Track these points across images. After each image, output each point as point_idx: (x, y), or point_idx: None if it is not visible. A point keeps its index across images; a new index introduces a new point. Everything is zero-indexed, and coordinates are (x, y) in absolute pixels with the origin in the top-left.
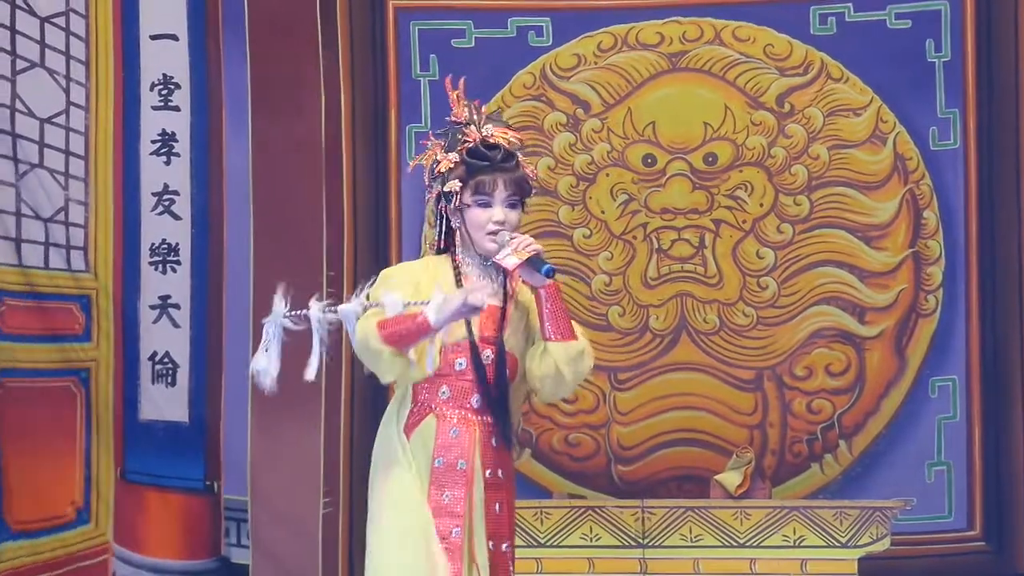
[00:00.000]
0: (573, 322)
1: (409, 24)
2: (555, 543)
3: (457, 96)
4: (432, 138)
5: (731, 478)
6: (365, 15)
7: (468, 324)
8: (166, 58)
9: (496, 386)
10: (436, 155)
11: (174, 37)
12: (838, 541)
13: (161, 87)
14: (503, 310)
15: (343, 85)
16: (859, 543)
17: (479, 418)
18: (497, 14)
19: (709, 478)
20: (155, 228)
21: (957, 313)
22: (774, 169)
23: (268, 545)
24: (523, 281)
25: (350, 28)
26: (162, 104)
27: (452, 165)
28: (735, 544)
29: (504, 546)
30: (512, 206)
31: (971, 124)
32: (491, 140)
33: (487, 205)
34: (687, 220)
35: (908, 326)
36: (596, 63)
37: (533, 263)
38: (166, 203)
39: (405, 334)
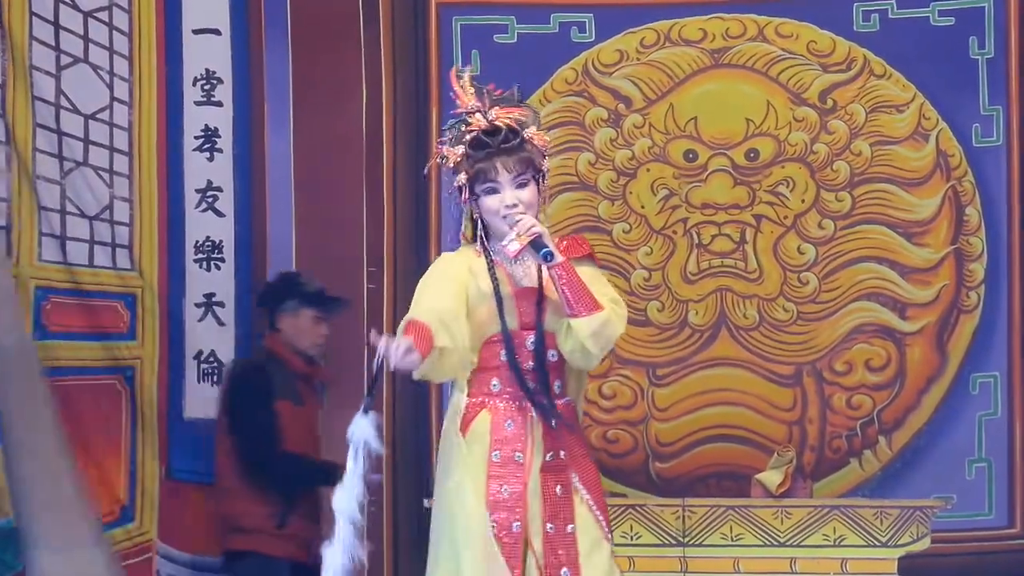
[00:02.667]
0: (601, 283)
1: (451, 19)
2: None
3: (461, 86)
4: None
5: (772, 477)
6: (407, 10)
7: (502, 314)
8: (209, 53)
9: (539, 370)
10: (443, 152)
11: (216, 32)
12: (878, 540)
13: (204, 82)
14: (540, 292)
15: (385, 80)
16: (899, 542)
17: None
18: (540, 9)
19: (748, 474)
20: (199, 225)
21: (999, 310)
22: (816, 165)
23: None
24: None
25: (392, 23)
26: (205, 99)
27: (459, 158)
28: (775, 543)
29: (569, 528)
30: (521, 185)
31: (1014, 121)
32: (492, 124)
33: (495, 191)
34: (728, 215)
35: (950, 322)
36: (638, 59)
37: (534, 246)
38: (209, 199)
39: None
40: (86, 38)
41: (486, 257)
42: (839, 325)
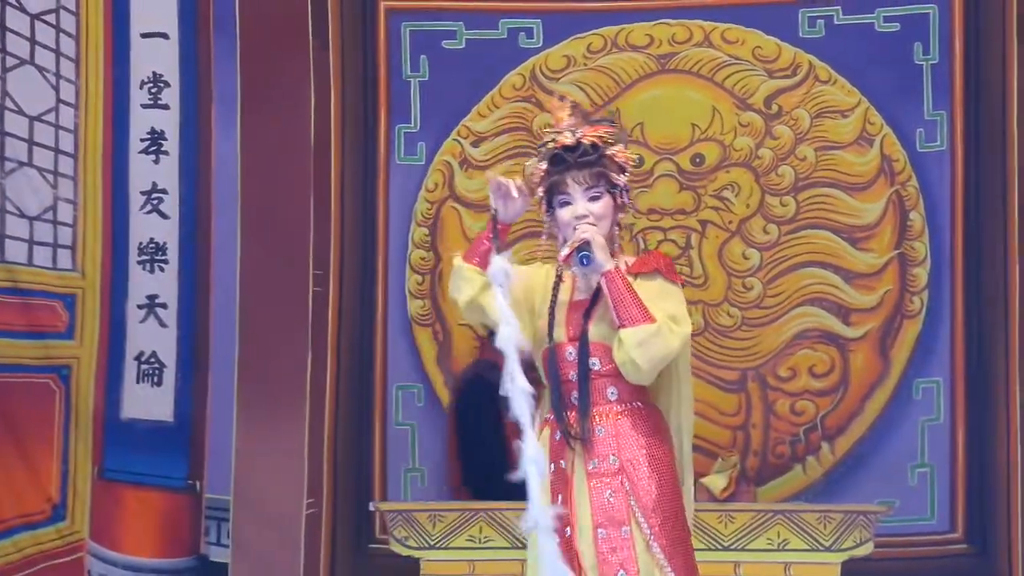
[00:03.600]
0: (667, 298)
1: (400, 25)
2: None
3: (560, 107)
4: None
5: (716, 481)
6: (356, 16)
7: (551, 326)
8: (156, 56)
9: (583, 380)
10: (531, 166)
11: (164, 35)
12: (822, 545)
13: (151, 85)
14: (591, 305)
15: (333, 85)
16: (843, 547)
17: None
18: (488, 16)
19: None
20: (143, 227)
21: (942, 315)
22: (761, 170)
23: (249, 544)
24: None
25: (341, 28)
26: (151, 102)
27: (542, 174)
28: (719, 547)
29: (624, 530)
30: (594, 199)
31: (958, 126)
32: (575, 141)
33: (568, 203)
34: (674, 220)
35: (893, 327)
36: (585, 64)
37: (578, 251)
38: (154, 202)
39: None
40: (32, 40)
41: (557, 269)
42: (783, 331)
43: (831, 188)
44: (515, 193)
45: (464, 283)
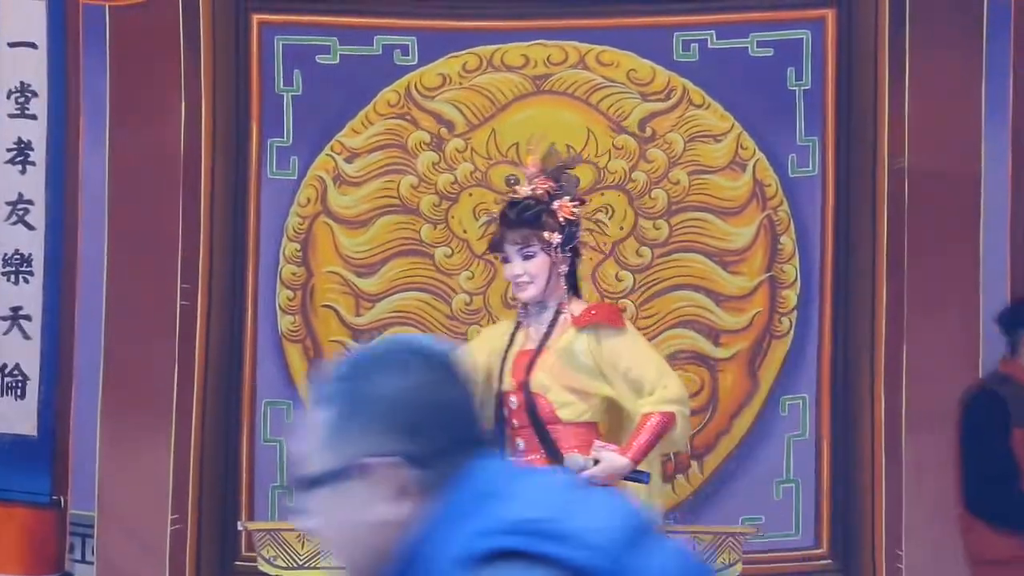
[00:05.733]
0: (652, 362)
1: (273, 39)
2: None
3: (532, 150)
4: None
5: None
6: (228, 28)
7: (500, 374)
8: (24, 66)
9: (529, 427)
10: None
11: (33, 45)
12: None
13: (18, 95)
14: (536, 354)
15: (204, 98)
16: (712, 567)
17: (523, 460)
18: (363, 32)
19: None
20: (8, 238)
21: (809, 334)
22: (635, 193)
23: (114, 561)
24: None
25: (213, 41)
26: (19, 112)
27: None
28: None
29: None
30: (527, 257)
31: (829, 151)
32: (519, 197)
33: (507, 260)
34: None
35: (762, 348)
36: (461, 83)
37: (631, 479)
38: (20, 213)
39: None
40: None
41: (517, 320)
42: None
43: (704, 212)
44: None
45: None
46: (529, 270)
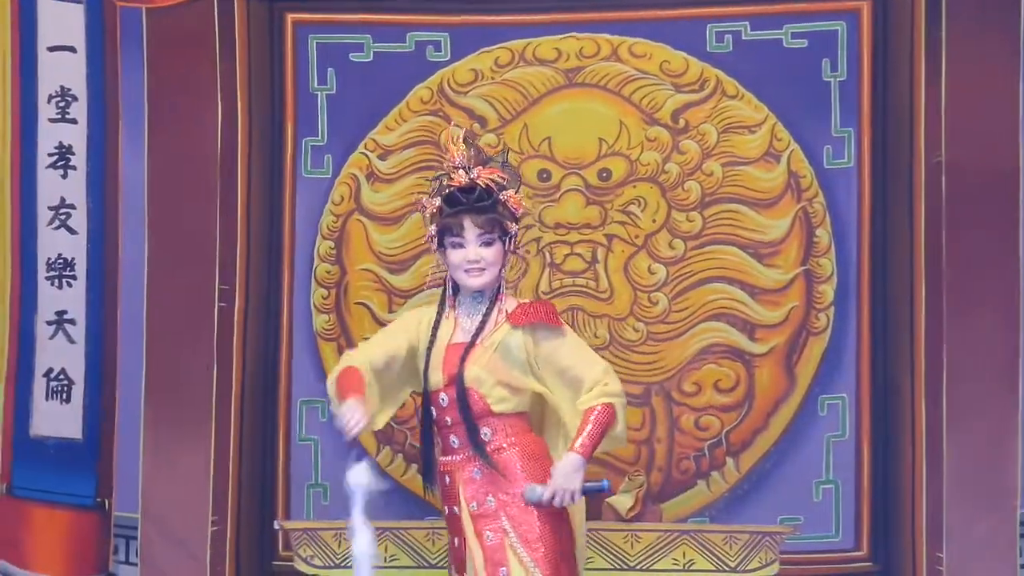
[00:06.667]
0: (582, 352)
1: (307, 37)
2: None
3: (454, 139)
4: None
5: (623, 501)
6: (263, 28)
7: (426, 370)
8: (64, 70)
9: (460, 423)
10: (424, 200)
11: (72, 49)
12: (727, 565)
13: (58, 99)
14: (468, 348)
15: (240, 98)
16: (748, 568)
17: (459, 457)
18: (396, 28)
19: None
20: (51, 242)
21: (848, 332)
22: (667, 185)
23: (157, 563)
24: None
25: (248, 41)
26: (59, 116)
27: (435, 210)
28: (625, 567)
29: (502, 571)
30: (487, 244)
31: (865, 143)
32: (470, 182)
33: (461, 246)
34: (580, 235)
35: (798, 344)
36: (493, 78)
37: (588, 493)
38: (62, 217)
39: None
40: None
41: (438, 309)
42: (688, 345)
43: (737, 204)
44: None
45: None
46: (486, 257)
